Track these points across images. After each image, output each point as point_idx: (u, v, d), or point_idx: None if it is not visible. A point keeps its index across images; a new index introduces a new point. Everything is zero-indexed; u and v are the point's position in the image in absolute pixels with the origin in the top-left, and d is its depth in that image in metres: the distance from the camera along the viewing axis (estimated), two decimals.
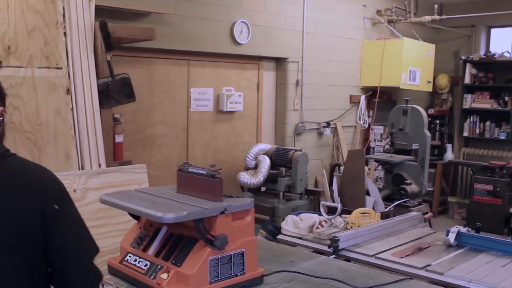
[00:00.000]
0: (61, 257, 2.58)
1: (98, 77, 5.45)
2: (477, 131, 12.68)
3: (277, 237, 5.33)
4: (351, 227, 5.07)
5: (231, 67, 8.96)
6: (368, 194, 7.86)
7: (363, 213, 5.37)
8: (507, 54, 12.34)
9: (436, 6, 11.60)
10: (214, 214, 3.03)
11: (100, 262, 3.37)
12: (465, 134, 12.87)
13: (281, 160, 8.36)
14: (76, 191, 4.62)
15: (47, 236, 2.53)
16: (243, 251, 3.17)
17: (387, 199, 8.09)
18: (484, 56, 12.54)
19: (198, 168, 3.27)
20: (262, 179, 8.17)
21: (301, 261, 3.89)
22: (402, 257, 4.44)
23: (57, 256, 2.57)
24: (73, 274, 2.62)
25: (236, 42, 8.63)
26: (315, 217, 5.33)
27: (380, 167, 9.70)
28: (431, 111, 12.69)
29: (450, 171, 12.98)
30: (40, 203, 2.50)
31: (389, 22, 11.44)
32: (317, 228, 5.11)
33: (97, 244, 2.70)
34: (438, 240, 4.91)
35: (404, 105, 8.88)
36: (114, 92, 5.61)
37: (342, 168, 8.74)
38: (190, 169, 3.35)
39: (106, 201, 3.24)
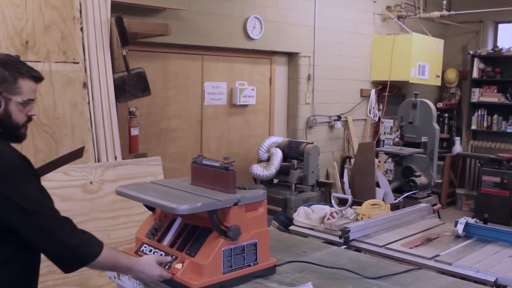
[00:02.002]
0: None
1: (114, 72, 5.44)
2: (485, 124, 12.63)
3: (289, 228, 5.31)
4: (362, 218, 5.05)
5: (244, 61, 8.94)
6: (378, 186, 7.83)
7: (373, 204, 5.35)
8: None
9: (444, 2, 11.55)
10: (228, 206, 3.02)
11: None
12: (473, 127, 12.81)
13: (293, 152, 8.34)
14: (93, 183, 4.62)
15: None
16: (256, 242, 3.17)
17: (396, 191, 8.07)
18: (492, 51, 12.48)
19: (212, 160, 3.26)
20: (274, 171, 8.16)
21: (312, 252, 3.89)
22: (411, 248, 4.41)
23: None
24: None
25: (249, 37, 8.61)
26: (326, 209, 5.31)
27: (390, 160, 9.66)
28: (440, 104, 12.64)
29: (459, 163, 12.92)
30: None
31: (399, 17, 11.40)
32: (328, 219, 5.08)
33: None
34: (446, 231, 4.88)
35: (414, 99, 8.84)
36: (130, 86, 5.60)
37: (352, 160, 8.72)
38: (204, 162, 3.34)
39: (121, 192, 3.24)
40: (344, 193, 7.82)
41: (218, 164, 3.22)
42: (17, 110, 2.94)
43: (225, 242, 3.01)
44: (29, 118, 3.03)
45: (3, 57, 2.96)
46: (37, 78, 3.03)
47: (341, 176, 8.93)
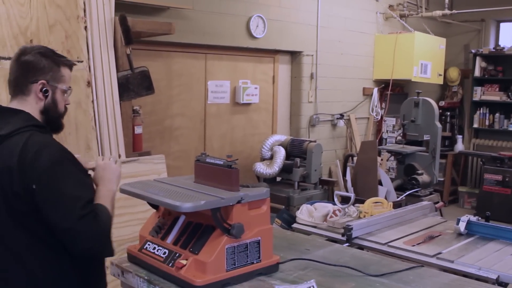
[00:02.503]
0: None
1: (118, 70, 5.45)
2: (487, 123, 12.65)
3: (292, 225, 5.31)
4: (364, 216, 5.05)
5: (247, 60, 8.94)
6: (380, 184, 7.83)
7: (376, 202, 5.35)
8: None
9: (446, 1, 11.58)
10: (231, 204, 3.01)
11: (120, 250, 3.36)
12: (475, 125, 12.83)
13: (296, 151, 8.33)
14: None
15: (33, 211, 2.70)
16: (259, 240, 3.16)
17: (399, 189, 8.07)
18: (494, 50, 12.50)
19: (215, 158, 3.26)
20: (277, 169, 8.15)
21: (315, 249, 3.88)
22: (413, 245, 4.41)
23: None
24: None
25: (252, 36, 8.61)
26: (329, 207, 5.31)
27: (392, 158, 9.65)
28: (442, 103, 12.65)
29: (461, 161, 12.94)
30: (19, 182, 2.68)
31: (401, 16, 11.40)
32: (331, 217, 5.08)
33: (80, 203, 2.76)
34: (448, 229, 4.88)
35: (416, 97, 8.83)
36: (134, 85, 5.61)
37: (355, 158, 8.72)
38: (207, 160, 3.34)
39: (125, 190, 3.23)
40: (347, 191, 7.81)
41: (222, 162, 3.21)
42: (61, 99, 3.05)
43: (229, 240, 3.01)
44: (66, 109, 3.11)
45: (40, 48, 3.01)
46: (72, 66, 3.11)
47: (344, 174, 8.93)
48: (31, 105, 2.95)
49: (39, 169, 2.69)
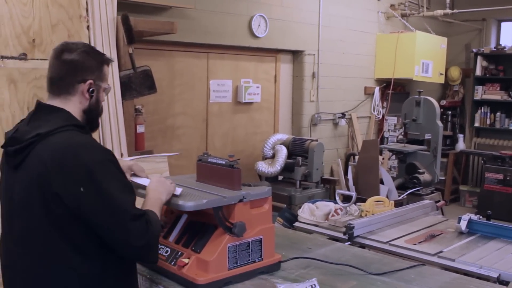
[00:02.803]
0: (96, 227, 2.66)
1: (120, 69, 5.45)
2: (488, 122, 12.64)
3: (294, 224, 5.31)
4: (366, 215, 5.05)
5: (249, 59, 8.93)
6: (382, 182, 7.84)
7: (377, 201, 5.35)
8: None
9: (448, 0, 11.57)
10: (233, 202, 3.02)
11: None
12: (476, 124, 12.82)
13: (298, 149, 8.32)
14: None
15: (76, 214, 2.62)
16: (261, 238, 3.16)
17: (400, 188, 8.07)
18: (495, 49, 12.49)
19: (217, 158, 3.26)
20: (279, 168, 8.14)
21: (317, 248, 3.88)
22: (415, 244, 4.41)
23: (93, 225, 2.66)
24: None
25: (254, 36, 8.61)
26: (330, 205, 5.31)
27: (393, 157, 9.67)
28: (443, 102, 12.64)
29: (462, 160, 12.92)
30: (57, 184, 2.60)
31: (403, 16, 11.40)
32: (333, 215, 5.09)
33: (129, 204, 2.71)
34: (450, 228, 4.88)
35: (417, 96, 8.83)
36: (136, 84, 5.61)
37: (357, 157, 8.73)
38: (209, 159, 3.34)
39: None
40: (348, 190, 7.83)
41: (224, 162, 3.21)
42: (102, 98, 3.01)
43: (231, 239, 3.01)
44: (102, 106, 3.06)
45: (84, 46, 2.96)
46: (110, 62, 3.09)
47: (345, 173, 8.94)
48: (74, 105, 2.87)
49: (82, 170, 2.61)
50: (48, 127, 2.72)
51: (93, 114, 2.95)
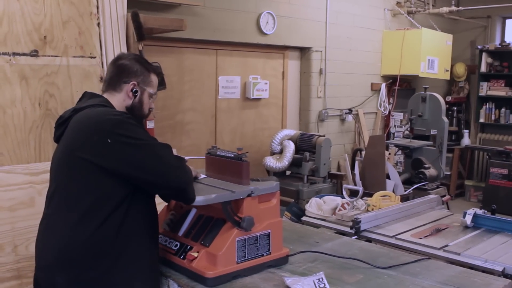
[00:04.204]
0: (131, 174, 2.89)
1: None
2: (493, 118, 12.59)
3: (302, 219, 5.31)
4: (372, 209, 5.05)
5: (257, 56, 8.92)
6: (388, 177, 7.82)
7: (384, 196, 5.35)
8: None
9: None
10: (242, 197, 3.02)
11: None
12: (481, 120, 12.77)
13: (305, 145, 8.32)
14: None
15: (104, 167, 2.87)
16: (269, 232, 3.16)
17: (406, 183, 8.05)
18: (499, 46, 12.44)
19: (226, 151, 3.27)
20: (287, 163, 8.14)
21: (324, 242, 3.88)
22: (421, 238, 4.40)
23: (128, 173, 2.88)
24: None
25: (262, 32, 8.59)
26: (337, 200, 5.31)
27: (400, 152, 9.64)
28: (449, 98, 12.60)
29: (467, 155, 12.90)
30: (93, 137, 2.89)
31: (409, 13, 11.37)
32: (340, 210, 5.08)
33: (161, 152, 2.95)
34: (455, 222, 4.88)
35: (423, 92, 8.81)
36: None
37: (363, 153, 8.71)
38: (218, 152, 3.35)
39: None
40: (355, 185, 7.81)
41: (232, 155, 3.22)
42: (147, 101, 3.34)
43: (239, 233, 3.01)
44: (149, 111, 3.38)
45: (135, 56, 3.46)
46: (160, 74, 3.52)
47: (352, 168, 8.93)
48: (118, 100, 3.22)
49: (107, 125, 2.89)
50: (83, 105, 3.10)
51: (135, 114, 3.25)
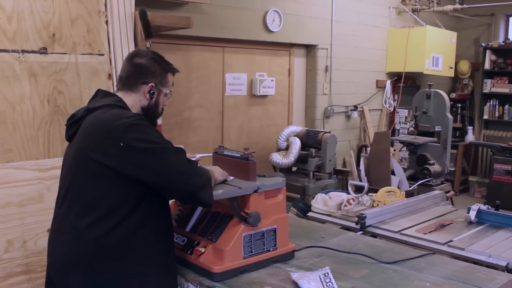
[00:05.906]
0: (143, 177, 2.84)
1: None
2: (497, 114, 12.57)
3: (307, 214, 5.30)
4: (377, 205, 5.04)
5: (263, 53, 8.91)
6: (393, 173, 7.81)
7: (389, 191, 5.33)
8: None
9: None
10: (248, 193, 3.02)
11: None
12: (485, 117, 12.75)
13: (311, 141, 8.31)
14: None
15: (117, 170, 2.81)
16: (275, 228, 3.16)
17: (411, 179, 8.05)
18: (503, 43, 12.42)
19: (233, 151, 3.27)
20: (293, 159, 8.13)
21: (330, 237, 3.88)
22: (425, 233, 4.39)
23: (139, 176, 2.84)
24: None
25: (268, 30, 8.58)
26: (343, 196, 5.30)
27: (404, 148, 9.64)
28: (453, 95, 12.59)
29: (471, 152, 12.88)
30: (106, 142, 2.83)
31: (413, 11, 11.35)
32: (345, 206, 5.08)
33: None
34: (459, 217, 4.86)
35: (428, 89, 8.81)
36: None
37: (368, 149, 8.70)
38: (225, 152, 3.34)
39: None
40: (361, 181, 7.80)
41: (239, 155, 3.21)
42: (162, 101, 3.27)
43: (246, 228, 3.01)
44: (163, 109, 3.32)
45: (153, 54, 3.29)
46: (175, 72, 3.39)
47: (358, 164, 8.91)
48: (133, 100, 3.15)
49: (120, 128, 2.82)
50: (96, 104, 3.03)
51: (150, 114, 3.20)
